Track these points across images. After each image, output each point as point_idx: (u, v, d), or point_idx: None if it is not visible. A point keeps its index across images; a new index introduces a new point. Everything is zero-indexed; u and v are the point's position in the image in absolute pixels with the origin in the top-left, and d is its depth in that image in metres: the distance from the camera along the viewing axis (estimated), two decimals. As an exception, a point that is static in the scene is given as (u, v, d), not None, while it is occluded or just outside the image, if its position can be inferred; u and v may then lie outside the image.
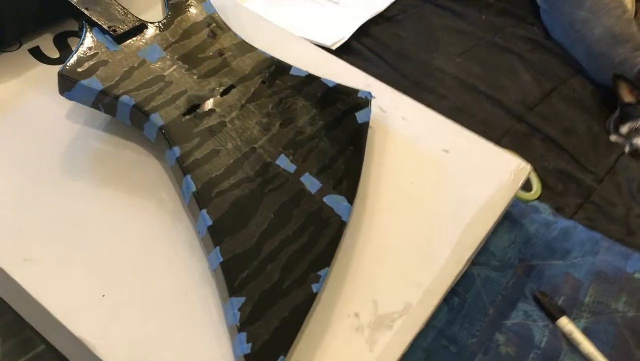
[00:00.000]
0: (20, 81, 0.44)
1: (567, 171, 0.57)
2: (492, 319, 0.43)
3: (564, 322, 0.44)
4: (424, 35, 0.65)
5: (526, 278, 0.46)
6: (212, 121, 0.40)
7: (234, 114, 0.41)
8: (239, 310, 0.32)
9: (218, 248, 0.34)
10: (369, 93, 0.46)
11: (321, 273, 0.35)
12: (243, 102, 0.42)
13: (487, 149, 0.47)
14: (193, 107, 0.40)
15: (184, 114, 0.39)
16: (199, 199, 0.36)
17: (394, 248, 0.40)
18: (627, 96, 0.62)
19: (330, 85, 0.46)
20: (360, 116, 0.44)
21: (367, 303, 0.37)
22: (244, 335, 0.32)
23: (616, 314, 0.46)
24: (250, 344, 0.32)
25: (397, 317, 0.37)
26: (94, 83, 0.39)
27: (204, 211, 0.36)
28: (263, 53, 0.45)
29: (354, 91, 0.46)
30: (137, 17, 0.44)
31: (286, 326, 0.33)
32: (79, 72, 0.39)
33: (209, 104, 0.41)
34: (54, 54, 0.47)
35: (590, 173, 0.58)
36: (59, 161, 0.40)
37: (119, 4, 0.44)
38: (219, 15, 0.47)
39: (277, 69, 0.45)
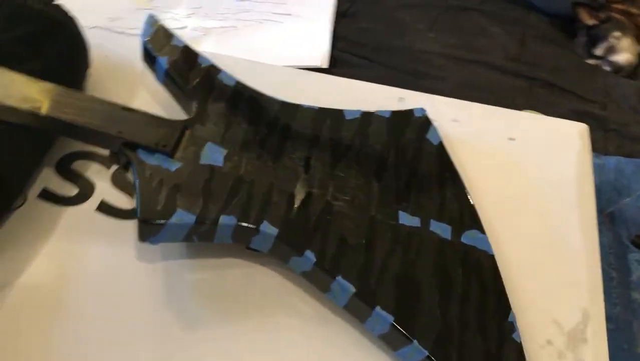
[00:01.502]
0: (52, 239, 0.36)
1: (577, 109, 0.59)
2: (620, 281, 0.44)
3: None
4: (387, 20, 0.63)
5: (614, 227, 0.48)
6: (317, 206, 0.35)
7: (331, 189, 0.37)
8: None
9: (415, 341, 0.31)
10: (422, 109, 0.44)
11: (511, 319, 0.34)
12: (329, 170, 0.37)
13: (544, 124, 0.47)
14: (290, 199, 0.35)
15: (288, 211, 0.35)
16: (365, 298, 0.32)
17: (533, 259, 0.38)
18: (588, 20, 0.65)
19: (387, 115, 0.42)
20: (432, 137, 0.42)
21: (550, 326, 0.36)
22: None
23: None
24: None
25: (583, 327, 0.36)
26: (185, 216, 0.33)
27: (378, 308, 0.32)
28: (308, 107, 0.41)
29: (410, 113, 0.43)
30: (173, 120, 0.37)
31: None
32: (160, 211, 0.33)
33: (301, 189, 0.36)
34: (69, 189, 0.39)
35: (593, 103, 0.60)
36: (164, 315, 0.34)
37: (146, 112, 0.37)
38: (242, 82, 0.41)
39: (333, 120, 0.40)
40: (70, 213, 0.38)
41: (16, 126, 0.35)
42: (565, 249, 0.39)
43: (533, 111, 0.59)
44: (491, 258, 0.36)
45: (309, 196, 0.36)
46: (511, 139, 0.46)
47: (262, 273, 0.36)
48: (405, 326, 0.32)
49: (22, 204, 0.37)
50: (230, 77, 0.41)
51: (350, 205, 0.36)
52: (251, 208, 0.34)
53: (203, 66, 0.41)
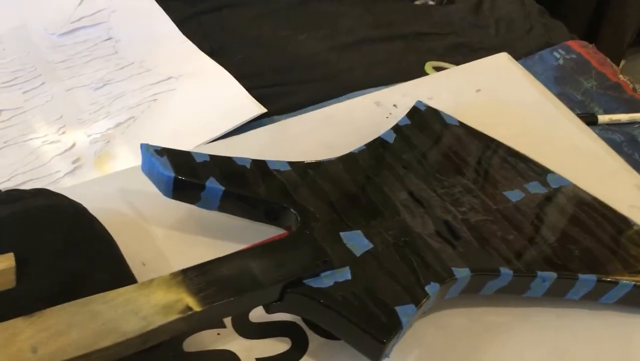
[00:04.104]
0: None
1: (449, 46, 0.66)
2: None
3: None
4: (254, 43, 0.60)
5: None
6: (461, 227, 0.35)
7: (451, 207, 0.37)
8: None
9: (620, 280, 0.35)
10: (420, 102, 0.45)
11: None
12: (433, 194, 0.37)
13: (481, 66, 0.52)
14: (441, 236, 0.34)
15: (454, 247, 0.34)
16: (566, 275, 0.34)
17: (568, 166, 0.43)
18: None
19: (409, 121, 0.42)
20: (450, 120, 0.44)
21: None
22: None
23: None
24: None
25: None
26: (408, 310, 0.29)
27: (580, 275, 0.34)
28: (359, 150, 0.39)
29: (417, 110, 0.44)
30: (301, 234, 0.32)
31: None
32: (388, 322, 0.29)
33: (438, 223, 0.35)
34: None
35: (450, 34, 0.67)
36: None
37: (269, 243, 0.32)
38: (292, 161, 0.37)
39: (383, 148, 0.40)
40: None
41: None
42: (585, 154, 0.46)
43: (435, 62, 0.65)
44: (577, 187, 0.41)
45: (447, 224, 0.36)
46: (478, 90, 0.51)
47: (449, 315, 0.35)
48: (604, 273, 0.35)
49: None
50: (279, 162, 0.37)
51: (476, 211, 0.37)
52: (434, 265, 0.33)
53: (248, 166, 0.36)
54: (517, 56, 0.63)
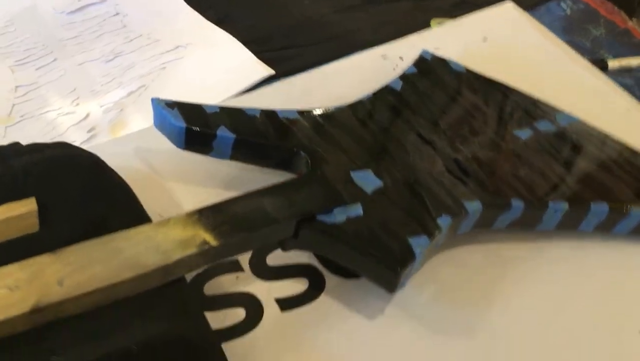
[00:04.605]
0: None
1: (454, 1, 0.66)
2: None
3: None
4: (264, 6, 0.60)
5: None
6: (471, 164, 0.36)
7: (460, 146, 0.37)
8: None
9: (632, 208, 0.35)
10: (426, 51, 0.45)
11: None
12: (444, 134, 0.37)
13: (487, 16, 0.52)
14: (452, 173, 0.35)
15: (465, 183, 0.34)
16: (578, 205, 0.34)
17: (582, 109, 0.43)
18: None
19: (416, 70, 0.43)
20: (457, 67, 0.44)
21: None
22: None
23: None
24: None
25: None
26: (421, 240, 0.30)
27: (592, 204, 0.34)
28: (367, 98, 0.39)
29: (424, 59, 0.44)
30: (308, 175, 0.33)
31: None
32: (408, 250, 0.29)
33: (448, 161, 0.36)
34: (233, 316, 0.31)
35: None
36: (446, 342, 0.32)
37: (286, 181, 0.32)
38: (302, 109, 0.37)
39: (391, 96, 0.40)
40: (262, 331, 0.31)
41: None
42: (595, 95, 0.46)
43: (438, 19, 0.65)
44: (585, 123, 0.41)
45: (457, 162, 0.36)
46: (485, 39, 0.51)
47: (464, 252, 0.36)
48: (616, 202, 0.35)
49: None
50: (288, 111, 0.37)
51: (486, 149, 0.37)
52: (445, 199, 0.33)
53: (258, 115, 0.36)
54: (523, 8, 0.63)
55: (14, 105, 0.53)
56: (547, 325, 0.34)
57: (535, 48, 0.50)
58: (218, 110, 0.36)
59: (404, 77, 0.42)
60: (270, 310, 0.33)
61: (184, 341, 0.25)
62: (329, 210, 0.31)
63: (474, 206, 0.33)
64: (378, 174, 0.34)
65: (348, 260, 0.31)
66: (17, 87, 0.55)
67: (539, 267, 0.36)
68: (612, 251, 0.37)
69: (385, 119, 0.38)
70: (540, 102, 0.43)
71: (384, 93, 0.41)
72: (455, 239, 0.36)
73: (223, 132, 0.35)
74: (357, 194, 0.33)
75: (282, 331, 0.32)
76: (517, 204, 0.34)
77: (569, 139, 0.40)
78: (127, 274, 0.26)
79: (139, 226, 0.28)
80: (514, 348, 0.33)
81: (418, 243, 0.30)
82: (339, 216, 0.31)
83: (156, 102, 0.35)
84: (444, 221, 0.32)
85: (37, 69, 0.57)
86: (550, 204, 0.34)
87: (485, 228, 0.35)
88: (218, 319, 0.32)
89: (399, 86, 0.41)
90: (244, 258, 0.35)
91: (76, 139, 0.50)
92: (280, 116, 0.37)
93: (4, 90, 0.55)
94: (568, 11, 0.64)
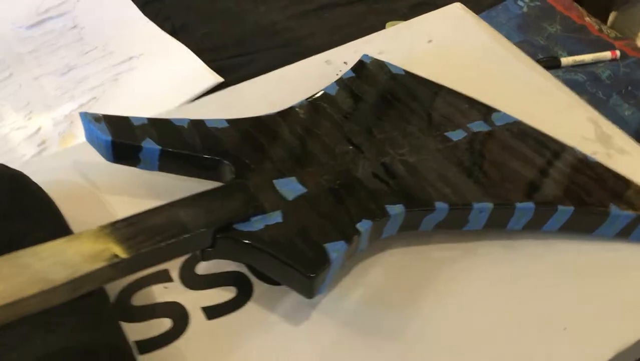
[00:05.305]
0: None
1: (411, 4, 0.66)
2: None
3: None
4: (216, 13, 0.61)
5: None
6: (399, 167, 0.36)
7: (390, 150, 0.37)
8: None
9: (559, 205, 0.35)
10: (366, 55, 0.45)
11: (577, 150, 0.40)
12: (375, 139, 0.37)
13: (431, 19, 0.52)
14: (378, 178, 0.35)
15: (389, 187, 0.35)
16: (503, 203, 0.34)
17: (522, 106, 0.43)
18: None
19: (354, 74, 0.43)
20: (397, 70, 0.44)
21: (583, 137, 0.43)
22: None
23: None
24: None
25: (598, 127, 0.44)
26: (338, 246, 0.30)
27: (518, 204, 0.34)
28: (300, 104, 0.39)
29: (363, 63, 0.44)
30: (230, 185, 0.33)
31: None
32: (316, 258, 0.30)
33: (376, 165, 0.36)
34: (157, 326, 0.32)
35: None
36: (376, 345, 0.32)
37: (203, 193, 0.32)
38: (231, 118, 0.37)
39: (327, 101, 0.40)
40: (187, 340, 0.32)
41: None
42: (538, 93, 0.46)
43: (394, 22, 0.65)
44: (522, 123, 0.41)
45: (384, 166, 0.36)
46: (430, 41, 0.51)
47: (393, 255, 0.36)
48: (543, 200, 0.35)
49: None
50: (216, 120, 0.38)
51: (415, 151, 0.38)
52: (367, 203, 0.34)
53: (185, 125, 0.37)
54: (482, 8, 0.63)
55: (-32, 121, 0.54)
56: (476, 324, 0.34)
57: (480, 48, 0.50)
58: (146, 122, 0.36)
59: (340, 81, 0.43)
60: (197, 318, 0.33)
61: (90, 355, 0.26)
62: (246, 219, 0.31)
63: (396, 210, 0.33)
64: (302, 181, 0.34)
65: (266, 267, 0.31)
66: (-27, 102, 0.56)
67: (469, 267, 0.36)
68: (543, 248, 0.37)
69: (315, 125, 0.39)
70: (477, 102, 0.43)
71: (318, 98, 0.41)
72: (384, 242, 0.36)
73: (149, 144, 0.35)
74: (278, 201, 0.33)
75: (207, 340, 0.32)
76: (441, 206, 0.34)
77: (502, 140, 0.40)
78: (31, 290, 0.26)
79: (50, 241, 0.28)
80: (443, 348, 0.33)
81: (334, 248, 0.31)
82: (257, 224, 0.31)
83: (84, 116, 0.36)
84: (363, 226, 0.32)
85: (-9, 84, 0.58)
86: (474, 205, 0.35)
87: (412, 231, 0.36)
88: (144, 329, 0.33)
89: (334, 91, 0.42)
90: (174, 268, 0.36)
91: (27, 152, 0.50)
92: (209, 125, 0.37)
93: (-42, 105, 0.55)
94: (525, 9, 0.65)
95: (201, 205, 0.31)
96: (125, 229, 0.29)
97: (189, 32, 0.62)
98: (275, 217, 0.32)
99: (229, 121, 0.38)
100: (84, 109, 0.52)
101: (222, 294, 0.34)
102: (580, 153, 0.39)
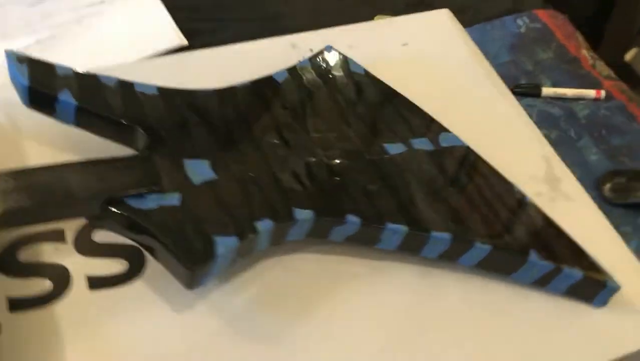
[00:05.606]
0: (68, 345, 0.29)
1: (406, 1, 0.64)
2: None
3: None
4: None
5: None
6: (322, 172, 0.34)
7: (319, 151, 0.35)
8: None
9: (476, 242, 0.33)
10: (330, 47, 0.43)
11: (515, 188, 0.38)
12: (305, 135, 0.36)
13: (418, 21, 0.49)
14: (297, 178, 0.33)
15: (304, 189, 0.33)
16: (418, 228, 0.33)
17: (480, 142, 0.41)
18: None
19: (308, 64, 0.41)
20: (356, 68, 0.42)
21: (530, 182, 0.41)
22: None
23: None
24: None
25: (551, 169, 0.41)
26: (227, 241, 0.29)
27: (434, 232, 0.33)
28: (242, 85, 0.37)
29: (323, 53, 0.42)
30: (133, 156, 0.32)
31: None
32: (201, 250, 0.28)
33: (297, 164, 0.34)
34: (38, 285, 0.31)
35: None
36: (242, 345, 0.30)
37: (102, 159, 0.31)
38: (164, 86, 0.35)
39: (270, 88, 0.38)
40: (62, 307, 0.31)
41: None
42: (499, 121, 0.44)
43: (384, 15, 0.63)
44: (469, 149, 0.40)
45: (308, 166, 0.35)
46: (405, 44, 0.49)
47: (300, 259, 0.34)
48: (461, 233, 0.33)
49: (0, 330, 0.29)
50: (147, 85, 0.36)
51: (345, 157, 0.36)
52: (275, 203, 0.32)
53: (112, 84, 0.35)
54: (478, 19, 0.61)
55: None
56: (362, 348, 0.32)
57: (455, 62, 0.48)
58: (71, 73, 0.35)
59: (291, 69, 0.41)
60: (78, 286, 0.32)
61: None
62: (140, 195, 0.30)
63: (304, 215, 0.32)
64: (215, 166, 0.33)
65: (149, 249, 0.30)
66: None
67: (372, 287, 0.34)
68: (457, 282, 0.35)
69: (250, 109, 0.37)
70: (429, 118, 0.41)
71: (263, 83, 0.39)
72: (291, 244, 0.34)
73: (65, 97, 0.33)
74: (181, 183, 0.31)
75: (82, 309, 0.31)
76: (353, 220, 0.33)
77: (440, 163, 0.38)
78: None
79: None
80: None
81: (224, 243, 0.29)
82: (151, 202, 0.30)
83: (9, 54, 0.34)
84: (264, 225, 0.31)
85: (-42, 5, 0.56)
86: (388, 225, 0.33)
87: (320, 239, 0.34)
88: (21, 286, 0.31)
89: (282, 78, 0.40)
90: (71, 229, 0.34)
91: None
92: (137, 89, 0.35)
93: None
94: (523, 29, 0.62)
95: (95, 172, 0.30)
96: (5, 183, 0.28)
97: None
98: (172, 199, 0.30)
99: (160, 88, 0.36)
100: (41, 46, 0.51)
101: (111, 266, 0.33)
102: (519, 192, 0.38)
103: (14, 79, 0.34)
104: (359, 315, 0.33)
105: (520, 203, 0.37)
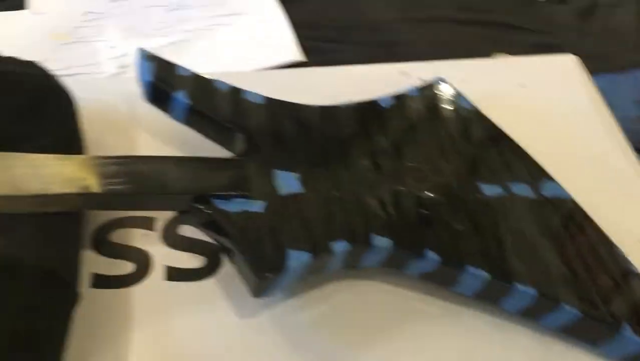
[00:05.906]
0: (133, 326, 0.31)
1: (535, 43, 0.62)
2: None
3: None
4: None
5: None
6: (409, 202, 0.33)
7: (411, 181, 0.35)
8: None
9: (563, 303, 0.30)
10: (441, 78, 0.42)
11: (620, 252, 0.35)
12: (399, 164, 0.35)
13: (540, 64, 0.47)
14: (382, 204, 0.33)
15: (388, 217, 0.32)
16: (501, 278, 0.31)
17: (590, 197, 0.38)
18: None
19: (418, 94, 0.40)
20: (464, 103, 0.41)
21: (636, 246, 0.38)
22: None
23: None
24: None
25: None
26: (300, 255, 0.29)
27: (517, 284, 0.31)
28: (346, 105, 0.38)
29: (434, 85, 0.42)
30: (230, 158, 0.33)
31: None
32: (272, 259, 0.28)
33: (385, 191, 0.34)
34: (121, 267, 0.33)
35: (543, 33, 0.63)
36: None
37: (200, 158, 0.32)
38: (272, 97, 0.37)
39: (373, 112, 0.38)
40: (138, 291, 0.32)
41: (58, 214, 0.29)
42: (613, 178, 0.40)
43: (503, 54, 0.61)
44: (574, 202, 0.37)
45: (396, 195, 0.34)
46: (522, 85, 0.47)
47: (372, 288, 0.34)
48: (549, 292, 0.31)
49: (79, 301, 0.31)
50: (256, 95, 0.38)
51: (436, 192, 0.35)
52: (354, 226, 0.32)
53: (224, 90, 0.37)
54: (609, 69, 0.57)
55: (76, 27, 0.58)
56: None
57: (573, 110, 0.45)
58: (189, 75, 0.37)
59: (399, 96, 0.40)
60: (156, 274, 0.33)
61: (14, 269, 0.26)
62: (228, 197, 0.31)
63: (381, 242, 0.31)
64: (304, 181, 0.33)
65: (226, 250, 0.31)
66: (88, 12, 0.60)
67: (446, 331, 0.33)
68: (535, 342, 0.33)
69: (348, 130, 0.37)
70: (534, 164, 0.38)
71: (367, 106, 0.39)
72: (364, 271, 0.33)
73: (180, 96, 0.35)
74: (268, 192, 0.32)
75: (155, 298, 0.32)
76: (432, 256, 0.31)
77: (540, 214, 0.35)
78: (2, 190, 0.28)
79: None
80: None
81: (297, 257, 0.29)
82: (235, 206, 0.31)
83: (140, 52, 0.37)
84: (339, 247, 0.30)
85: (110, 1, 0.62)
86: (469, 268, 0.31)
87: (396, 270, 0.33)
88: (107, 265, 0.34)
89: (387, 104, 0.39)
90: (160, 219, 0.36)
91: (107, 71, 0.53)
92: (244, 96, 0.37)
93: (77, 12, 0.60)
94: (657, 84, 0.57)
95: (190, 169, 0.31)
96: (109, 167, 0.30)
97: (298, 3, 0.62)
98: (257, 206, 0.31)
99: (266, 98, 0.37)
100: (173, 47, 0.55)
101: (190, 261, 0.34)
102: (624, 259, 0.34)
103: (140, 74, 0.37)
104: (422, 356, 0.32)
105: (623, 272, 0.34)
